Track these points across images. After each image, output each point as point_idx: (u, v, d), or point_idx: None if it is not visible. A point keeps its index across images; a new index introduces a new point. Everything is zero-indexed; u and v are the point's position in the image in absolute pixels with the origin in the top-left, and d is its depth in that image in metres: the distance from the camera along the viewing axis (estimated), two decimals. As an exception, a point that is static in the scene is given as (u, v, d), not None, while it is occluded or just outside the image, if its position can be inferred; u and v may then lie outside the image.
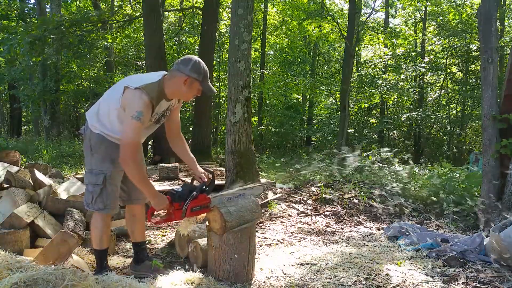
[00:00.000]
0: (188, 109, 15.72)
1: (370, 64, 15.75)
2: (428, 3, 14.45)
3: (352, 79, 13.56)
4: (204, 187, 2.50)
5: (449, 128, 16.22)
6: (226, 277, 2.55)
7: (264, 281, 2.66)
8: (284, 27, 19.36)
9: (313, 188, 5.61)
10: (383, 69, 15.85)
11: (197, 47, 13.57)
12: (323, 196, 5.17)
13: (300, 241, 3.70)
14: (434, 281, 2.71)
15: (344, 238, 3.92)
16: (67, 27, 9.55)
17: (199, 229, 3.11)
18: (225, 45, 16.79)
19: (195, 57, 2.37)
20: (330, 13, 13.85)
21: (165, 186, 5.56)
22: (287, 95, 19.00)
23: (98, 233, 2.52)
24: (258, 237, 3.66)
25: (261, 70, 17.85)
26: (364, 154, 7.90)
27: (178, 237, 3.18)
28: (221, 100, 17.86)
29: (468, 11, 14.79)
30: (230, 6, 6.17)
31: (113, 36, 12.26)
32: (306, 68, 18.87)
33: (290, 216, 4.59)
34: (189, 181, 2.69)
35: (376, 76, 14.42)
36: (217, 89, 17.50)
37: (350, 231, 4.20)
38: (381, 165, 7.70)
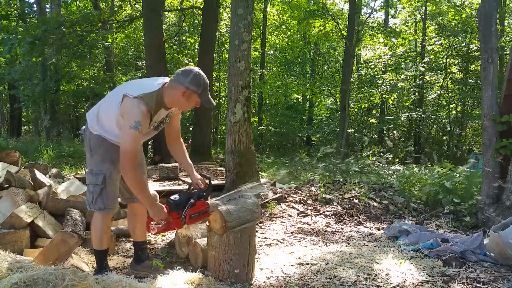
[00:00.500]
0: (188, 109, 15.68)
1: (370, 64, 15.74)
2: (428, 3, 14.44)
3: (352, 79, 13.56)
4: (201, 193, 2.51)
5: (449, 128, 16.22)
6: (226, 277, 2.55)
7: (264, 281, 2.66)
8: (284, 27, 19.36)
9: (313, 188, 5.61)
10: (383, 69, 15.85)
11: (197, 47, 13.56)
12: (323, 196, 5.17)
13: (300, 241, 3.70)
14: (434, 281, 2.71)
15: (344, 238, 3.92)
16: (67, 27, 9.55)
17: (199, 229, 3.11)
18: (225, 45, 16.80)
19: (196, 69, 2.37)
20: (330, 13, 13.85)
21: (165, 186, 5.56)
22: (287, 95, 19.00)
23: (98, 233, 2.53)
24: (258, 237, 3.66)
25: (261, 70, 17.85)
26: (364, 154, 7.90)
27: (178, 237, 3.18)
28: (221, 100, 17.86)
29: (467, 11, 14.79)
30: (230, 6, 6.17)
31: (113, 36, 12.25)
32: (306, 68, 18.87)
33: (290, 216, 4.59)
34: (189, 181, 2.70)
35: (377, 76, 14.42)
36: (217, 89, 17.50)
37: (350, 231, 4.20)
38: (381, 165, 7.71)
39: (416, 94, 16.13)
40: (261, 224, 4.19)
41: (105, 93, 14.44)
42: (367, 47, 17.18)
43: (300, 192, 5.45)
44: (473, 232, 4.01)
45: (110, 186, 2.47)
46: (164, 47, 9.90)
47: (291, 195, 5.28)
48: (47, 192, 3.46)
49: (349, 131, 13.35)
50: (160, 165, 6.62)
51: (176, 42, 15.75)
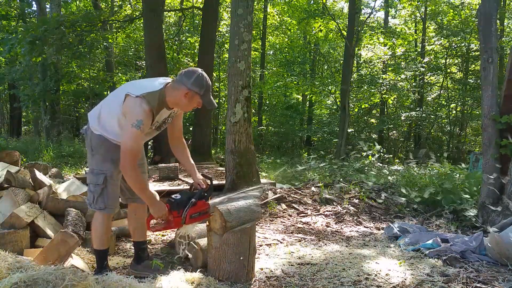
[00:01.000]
0: (188, 109, 15.67)
1: (370, 64, 15.74)
2: (428, 3, 14.43)
3: (352, 79, 13.55)
4: (202, 193, 2.51)
5: (449, 128, 16.22)
6: (226, 277, 2.55)
7: (264, 281, 2.66)
8: (284, 27, 19.35)
9: (313, 188, 5.61)
10: (383, 69, 15.85)
11: (197, 47, 13.56)
12: (323, 196, 5.17)
13: (300, 241, 3.70)
14: (434, 281, 2.71)
15: (344, 238, 3.92)
16: (67, 27, 9.55)
17: (199, 229, 3.11)
18: (225, 45, 16.79)
19: (199, 70, 2.37)
20: (330, 13, 13.85)
21: (165, 186, 5.55)
22: (287, 95, 19.00)
23: (98, 233, 2.53)
24: (258, 237, 3.66)
25: (261, 70, 17.85)
26: (364, 154, 7.90)
27: (178, 237, 3.18)
28: (221, 100, 17.86)
29: (466, 12, 14.79)
30: (230, 6, 6.17)
31: (113, 36, 12.25)
32: (306, 68, 18.85)
33: (290, 216, 4.59)
34: (189, 181, 2.70)
35: (377, 76, 14.42)
36: (217, 89, 17.50)
37: (350, 231, 4.20)
38: (381, 165, 7.71)
39: (416, 94, 16.13)
40: (261, 224, 4.19)
41: (105, 93, 14.45)
42: (367, 47, 17.18)
43: (300, 192, 5.45)
44: (473, 232, 4.01)
45: (111, 186, 2.47)
46: (164, 47, 9.89)
47: (291, 195, 5.28)
48: (47, 192, 3.46)
49: (349, 131, 13.34)
50: (160, 165, 6.62)
51: (176, 42, 15.75)
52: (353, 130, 15.94)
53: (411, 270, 2.92)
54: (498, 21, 8.36)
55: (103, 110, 2.45)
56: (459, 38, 14.14)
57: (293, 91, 17.35)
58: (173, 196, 2.46)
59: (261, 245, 3.45)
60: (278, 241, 3.63)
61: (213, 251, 2.57)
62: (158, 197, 2.69)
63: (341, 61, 16.45)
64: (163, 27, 12.11)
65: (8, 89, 17.38)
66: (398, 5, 17.88)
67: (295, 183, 6.47)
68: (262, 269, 2.87)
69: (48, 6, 14.05)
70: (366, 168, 7.57)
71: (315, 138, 17.79)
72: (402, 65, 15.22)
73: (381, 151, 8.12)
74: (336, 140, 13.52)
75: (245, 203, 2.69)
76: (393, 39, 14.48)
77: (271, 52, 20.86)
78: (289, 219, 4.47)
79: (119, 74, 14.31)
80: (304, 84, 14.80)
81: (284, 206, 4.89)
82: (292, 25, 18.16)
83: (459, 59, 15.83)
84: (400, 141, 17.95)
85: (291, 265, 2.99)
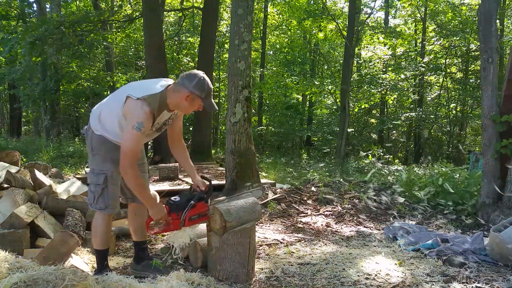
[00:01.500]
0: (188, 109, 15.66)
1: (370, 64, 15.73)
2: (428, 2, 14.43)
3: (352, 79, 13.55)
4: (202, 195, 2.51)
5: (448, 128, 16.22)
6: (226, 277, 2.55)
7: (264, 281, 2.66)
8: (284, 26, 19.34)
9: (313, 188, 5.61)
10: (383, 69, 15.84)
11: (197, 47, 13.56)
12: (323, 196, 5.17)
13: (300, 241, 3.70)
14: (434, 281, 2.71)
15: (344, 238, 3.92)
16: (67, 27, 9.55)
17: (199, 229, 3.11)
18: (225, 45, 16.79)
19: (201, 73, 2.38)
20: (330, 13, 13.84)
21: (165, 186, 5.55)
22: (287, 95, 18.99)
23: (99, 233, 2.54)
24: (258, 237, 3.66)
25: (261, 70, 17.84)
26: (364, 154, 7.91)
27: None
28: (221, 100, 17.86)
29: (465, 12, 14.79)
30: (230, 6, 6.17)
31: (113, 36, 12.25)
32: (306, 68, 18.84)
33: (290, 216, 4.59)
34: (189, 181, 2.70)
35: (377, 76, 14.42)
36: (217, 89, 17.49)
37: (350, 231, 4.20)
38: (381, 165, 7.71)
39: (416, 94, 16.13)
40: (261, 224, 4.19)
41: (105, 93, 14.45)
42: (367, 47, 17.18)
43: (300, 192, 5.45)
44: (473, 232, 4.01)
45: (112, 186, 2.48)
46: (164, 47, 9.90)
47: (291, 195, 5.28)
48: (47, 192, 3.46)
49: (349, 130, 13.34)
50: (160, 165, 6.62)
51: (176, 42, 15.75)
52: (353, 130, 15.94)
53: (411, 270, 2.92)
54: (498, 21, 8.36)
55: (103, 110, 2.45)
56: (458, 38, 14.14)
57: (293, 91, 17.33)
58: (172, 198, 2.47)
59: (261, 245, 3.45)
60: (278, 241, 3.63)
61: (213, 251, 2.58)
62: (158, 198, 2.69)
63: (341, 61, 16.45)
64: (163, 27, 12.10)
65: (8, 89, 17.38)
66: (398, 5, 17.86)
67: (295, 183, 6.47)
68: (262, 269, 2.87)
69: (48, 6, 14.05)
70: (366, 168, 7.57)
71: (315, 138, 17.78)
72: (402, 65, 15.22)
73: (381, 151, 8.13)
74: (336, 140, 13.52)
75: (245, 203, 2.69)
76: (393, 39, 14.48)
77: (271, 52, 20.85)
78: (289, 219, 4.47)
79: (119, 74, 14.31)
80: (304, 84, 14.80)
81: (284, 206, 4.89)
82: (292, 25, 18.15)
83: (459, 59, 15.83)
84: (400, 141, 17.95)
85: (291, 265, 2.99)
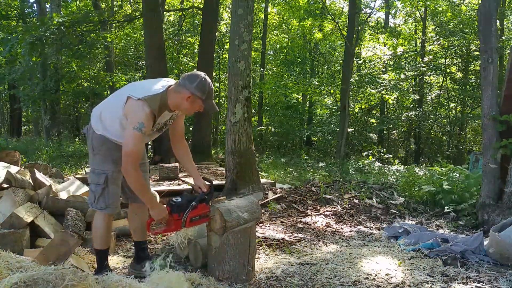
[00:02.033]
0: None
1: (369, 63, 15.73)
2: (428, 2, 14.43)
3: (352, 79, 13.56)
4: (203, 196, 2.51)
5: (448, 128, 16.23)
6: (226, 277, 2.55)
7: (264, 281, 2.66)
8: (284, 26, 19.34)
9: (313, 188, 5.61)
10: (383, 69, 15.84)
11: (197, 47, 13.56)
12: (323, 196, 5.17)
13: (300, 241, 3.70)
14: (434, 281, 2.71)
15: (344, 238, 3.92)
16: (67, 27, 9.55)
17: (199, 229, 3.11)
18: (225, 45, 16.79)
19: (202, 75, 2.38)
20: (330, 13, 13.84)
21: (165, 186, 5.56)
22: (287, 95, 18.99)
23: (99, 233, 2.54)
24: (258, 237, 3.66)
25: (261, 69, 17.84)
26: (364, 154, 7.91)
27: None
28: (221, 100, 17.86)
29: (464, 11, 14.79)
30: (230, 6, 6.17)
31: (112, 36, 12.25)
32: (306, 68, 18.84)
33: (290, 216, 4.59)
34: (189, 181, 2.70)
35: (377, 76, 14.42)
36: (217, 89, 17.49)
37: (350, 231, 4.20)
38: (381, 165, 7.71)
39: (416, 94, 16.13)
40: (261, 224, 4.19)
41: (105, 93, 14.45)
42: (367, 47, 17.18)
43: (300, 192, 5.45)
44: (473, 232, 4.01)
45: (112, 185, 2.48)
46: (164, 47, 9.90)
47: (291, 195, 5.28)
48: (47, 192, 3.46)
49: (349, 130, 13.34)
50: (160, 165, 6.62)
51: (176, 42, 15.75)
52: (353, 130, 15.94)
53: (411, 270, 2.92)
54: (498, 21, 8.36)
55: (104, 110, 2.46)
56: (458, 38, 14.14)
57: (293, 91, 17.33)
58: (173, 199, 2.47)
59: (261, 245, 3.45)
60: (278, 241, 3.63)
61: (213, 251, 2.58)
62: (158, 198, 2.69)
63: (341, 61, 16.45)
64: (163, 27, 12.10)
65: (8, 89, 17.38)
66: (397, 5, 17.86)
67: (295, 183, 6.47)
68: (262, 269, 2.87)
69: (48, 6, 14.05)
70: (366, 168, 7.58)
71: (315, 138, 17.78)
72: (402, 63, 15.21)
73: (381, 151, 8.13)
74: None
75: (245, 203, 2.69)
76: (393, 38, 14.48)
77: (271, 52, 20.85)
78: (289, 219, 4.47)
79: (119, 74, 14.31)
80: (304, 84, 14.80)
81: (284, 206, 4.89)
82: (293, 24, 18.15)
83: (459, 59, 15.83)
84: (400, 141, 17.95)
85: (291, 265, 2.99)
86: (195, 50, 15.38)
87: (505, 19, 15.24)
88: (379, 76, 14.08)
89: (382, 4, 17.26)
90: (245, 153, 5.20)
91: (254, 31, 15.46)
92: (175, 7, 16.60)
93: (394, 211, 5.00)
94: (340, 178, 6.29)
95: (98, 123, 2.45)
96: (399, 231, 3.94)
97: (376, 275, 2.80)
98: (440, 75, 16.11)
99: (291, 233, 3.98)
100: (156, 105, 2.29)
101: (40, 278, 1.78)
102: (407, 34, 16.54)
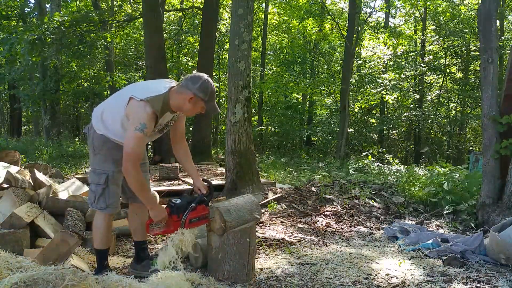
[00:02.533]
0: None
1: (369, 63, 15.74)
2: (428, 3, 14.44)
3: (352, 79, 13.56)
4: (203, 198, 2.51)
5: (448, 128, 16.22)
6: (226, 277, 2.55)
7: (264, 281, 2.66)
8: (284, 26, 19.33)
9: (313, 188, 5.61)
10: (383, 69, 15.84)
11: (197, 47, 13.55)
12: (323, 196, 5.17)
13: (300, 241, 3.70)
14: (434, 281, 2.71)
15: (344, 238, 3.93)
16: (67, 27, 9.55)
17: (199, 229, 3.11)
18: (225, 45, 16.78)
19: (205, 76, 2.39)
20: (330, 13, 13.85)
21: (165, 186, 5.55)
22: (287, 95, 18.99)
23: (99, 233, 2.54)
24: (258, 237, 3.66)
25: (261, 69, 17.84)
26: (364, 154, 7.90)
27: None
28: (221, 100, 17.86)
29: (464, 12, 14.78)
30: (230, 6, 6.17)
31: (112, 35, 12.24)
32: (306, 68, 18.84)
33: (290, 216, 4.59)
34: (189, 181, 2.70)
35: (377, 76, 14.42)
36: (217, 89, 17.49)
37: (350, 231, 4.20)
38: (381, 165, 7.71)
39: (416, 94, 16.14)
40: (261, 224, 4.19)
41: (105, 93, 14.45)
42: (367, 47, 17.17)
43: (300, 192, 5.45)
44: (473, 232, 4.01)
45: (113, 185, 2.48)
46: (164, 47, 9.89)
47: (291, 195, 5.28)
48: (47, 192, 3.46)
49: (349, 130, 13.34)
50: (160, 165, 6.61)
51: (176, 42, 15.74)
52: (353, 130, 15.94)
53: (411, 270, 2.92)
54: (498, 21, 8.36)
55: (105, 110, 2.46)
56: (458, 38, 14.13)
57: (293, 91, 17.33)
58: (173, 200, 2.47)
59: (261, 245, 3.45)
60: (278, 241, 3.63)
61: (213, 251, 2.58)
62: (158, 198, 2.69)
63: (341, 61, 16.45)
64: (163, 27, 12.09)
65: (8, 89, 17.38)
66: (397, 5, 17.86)
67: (295, 183, 6.47)
68: (262, 269, 2.87)
69: (48, 6, 14.04)
70: (366, 168, 7.57)
71: (315, 138, 17.78)
72: (402, 63, 15.21)
73: (381, 151, 8.13)
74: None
75: (245, 203, 2.69)
76: (393, 38, 14.47)
77: (271, 52, 20.84)
78: (289, 219, 4.47)
79: (119, 74, 14.31)
80: (304, 84, 14.80)
81: (284, 206, 4.89)
82: (293, 24, 18.15)
83: (458, 59, 15.82)
84: (400, 141, 17.94)
85: (291, 265, 2.99)
86: (195, 50, 15.36)
87: (505, 19, 15.24)
88: (379, 76, 14.09)
89: (382, 4, 17.26)
90: (245, 153, 5.20)
91: (254, 31, 15.46)
92: (175, 7, 16.60)
93: (394, 211, 5.00)
94: (340, 178, 6.29)
95: (99, 123, 2.45)
96: (399, 231, 3.94)
97: (376, 275, 2.80)
98: (440, 75, 16.10)
99: (291, 233, 3.98)
100: (159, 106, 2.29)
101: (40, 278, 1.78)
102: (407, 34, 16.53)
